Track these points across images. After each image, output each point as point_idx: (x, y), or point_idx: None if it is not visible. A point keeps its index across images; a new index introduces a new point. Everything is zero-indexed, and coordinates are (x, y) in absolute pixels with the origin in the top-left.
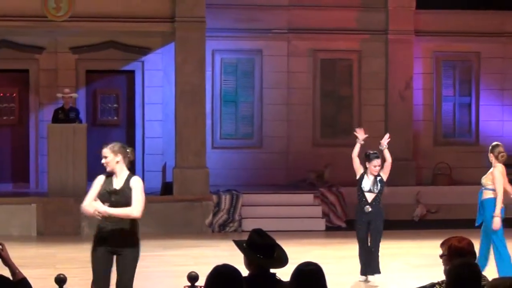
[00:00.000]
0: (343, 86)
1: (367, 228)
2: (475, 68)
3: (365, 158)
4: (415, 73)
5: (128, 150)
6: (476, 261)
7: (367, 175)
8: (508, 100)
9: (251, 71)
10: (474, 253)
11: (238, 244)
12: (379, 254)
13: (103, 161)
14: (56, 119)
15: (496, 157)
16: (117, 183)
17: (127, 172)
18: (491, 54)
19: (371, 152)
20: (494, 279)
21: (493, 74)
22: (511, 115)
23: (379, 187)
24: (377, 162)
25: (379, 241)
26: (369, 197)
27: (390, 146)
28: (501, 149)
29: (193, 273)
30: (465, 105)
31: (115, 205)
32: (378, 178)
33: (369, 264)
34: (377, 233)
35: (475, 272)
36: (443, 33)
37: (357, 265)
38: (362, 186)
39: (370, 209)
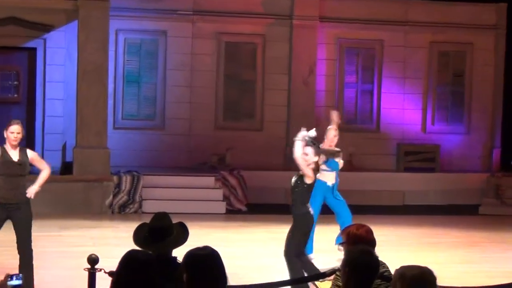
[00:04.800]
0: (247, 69)
1: None
2: (378, 56)
3: None
4: (319, 59)
5: None
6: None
7: None
8: (410, 88)
9: (155, 51)
10: (373, 240)
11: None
12: None
13: (15, 136)
14: None
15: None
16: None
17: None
18: (393, 42)
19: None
20: (401, 267)
21: (396, 63)
22: (412, 104)
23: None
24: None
25: None
26: None
27: (292, 130)
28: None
29: (94, 256)
30: (367, 92)
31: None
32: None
33: None
34: None
35: (371, 259)
36: (347, 20)
37: (256, 248)
38: None
39: None
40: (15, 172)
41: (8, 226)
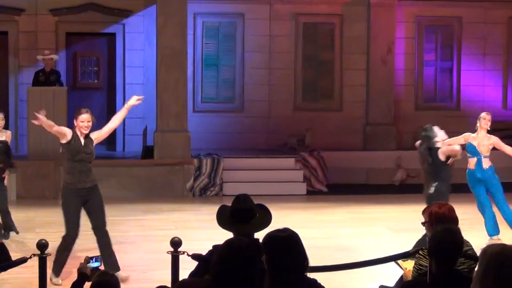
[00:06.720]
0: (325, 50)
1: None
2: (457, 33)
3: None
4: (397, 38)
5: None
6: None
7: None
8: (489, 65)
9: (233, 34)
10: (455, 218)
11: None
12: None
13: (86, 125)
14: (36, 81)
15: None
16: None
17: None
18: (473, 19)
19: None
20: (487, 245)
21: (475, 39)
22: (492, 80)
23: None
24: None
25: None
26: None
27: (371, 110)
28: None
29: (176, 239)
30: (446, 70)
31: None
32: None
33: None
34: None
35: (456, 238)
36: None
37: (338, 229)
38: None
39: None
40: (84, 159)
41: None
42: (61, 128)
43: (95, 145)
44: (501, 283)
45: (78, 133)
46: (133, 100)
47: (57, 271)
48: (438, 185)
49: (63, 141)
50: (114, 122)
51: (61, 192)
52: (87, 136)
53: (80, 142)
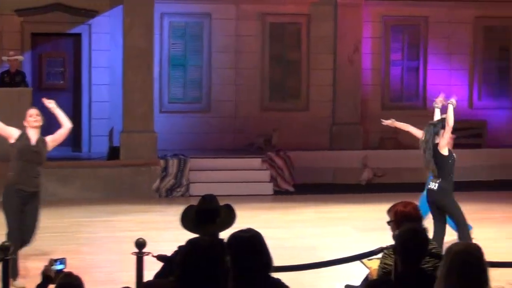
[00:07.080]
0: (292, 50)
1: None
2: (423, 33)
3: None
4: (364, 37)
5: None
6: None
7: None
8: (456, 64)
9: (200, 34)
10: (421, 217)
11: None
12: None
13: (34, 118)
14: (1, 82)
15: None
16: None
17: None
18: (439, 18)
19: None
20: (452, 244)
21: (441, 39)
22: (459, 79)
23: None
24: None
25: None
26: None
27: (337, 109)
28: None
29: (141, 240)
30: (413, 69)
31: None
32: None
33: None
34: None
35: (422, 237)
36: None
37: (304, 229)
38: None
39: None
40: (32, 159)
41: (50, 211)
42: (6, 127)
43: (51, 148)
44: (465, 281)
45: (30, 133)
46: (47, 102)
47: (12, 274)
48: (441, 182)
49: (11, 141)
50: (64, 126)
51: (3, 191)
52: (40, 138)
53: (29, 141)
